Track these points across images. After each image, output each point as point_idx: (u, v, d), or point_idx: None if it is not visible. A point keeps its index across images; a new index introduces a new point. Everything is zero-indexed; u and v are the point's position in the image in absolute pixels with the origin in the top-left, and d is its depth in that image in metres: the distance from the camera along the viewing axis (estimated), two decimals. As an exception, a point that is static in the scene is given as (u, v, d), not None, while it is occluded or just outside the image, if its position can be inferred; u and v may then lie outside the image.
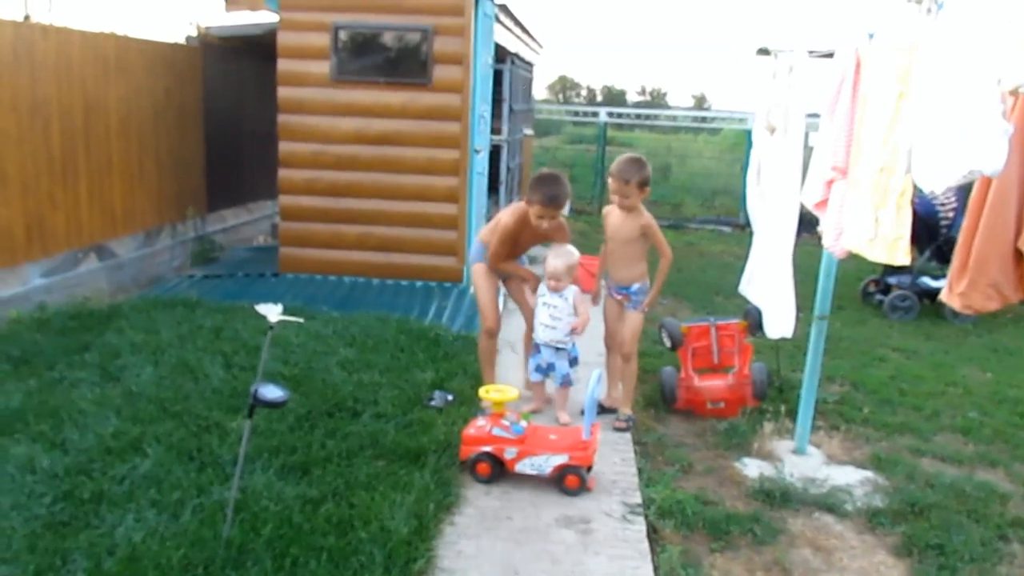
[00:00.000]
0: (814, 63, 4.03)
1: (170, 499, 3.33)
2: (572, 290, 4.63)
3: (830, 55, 3.80)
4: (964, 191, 7.98)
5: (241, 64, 9.45)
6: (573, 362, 4.73)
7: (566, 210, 5.06)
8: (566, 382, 4.69)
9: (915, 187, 3.00)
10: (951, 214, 7.93)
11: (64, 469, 3.53)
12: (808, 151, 3.96)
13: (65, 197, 6.45)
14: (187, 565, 2.88)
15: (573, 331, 4.65)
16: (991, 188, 2.96)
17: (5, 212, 5.79)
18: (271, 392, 2.97)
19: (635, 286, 4.78)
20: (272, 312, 2.99)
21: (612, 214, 4.81)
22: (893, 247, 3.18)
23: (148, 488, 3.42)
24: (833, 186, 3.64)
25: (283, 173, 7.47)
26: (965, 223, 3.09)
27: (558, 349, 4.66)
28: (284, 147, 7.42)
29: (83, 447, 3.76)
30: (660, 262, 4.70)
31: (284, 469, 3.68)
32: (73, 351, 5.06)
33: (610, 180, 4.68)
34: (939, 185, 2.68)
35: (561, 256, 4.61)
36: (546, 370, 4.72)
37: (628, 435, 4.56)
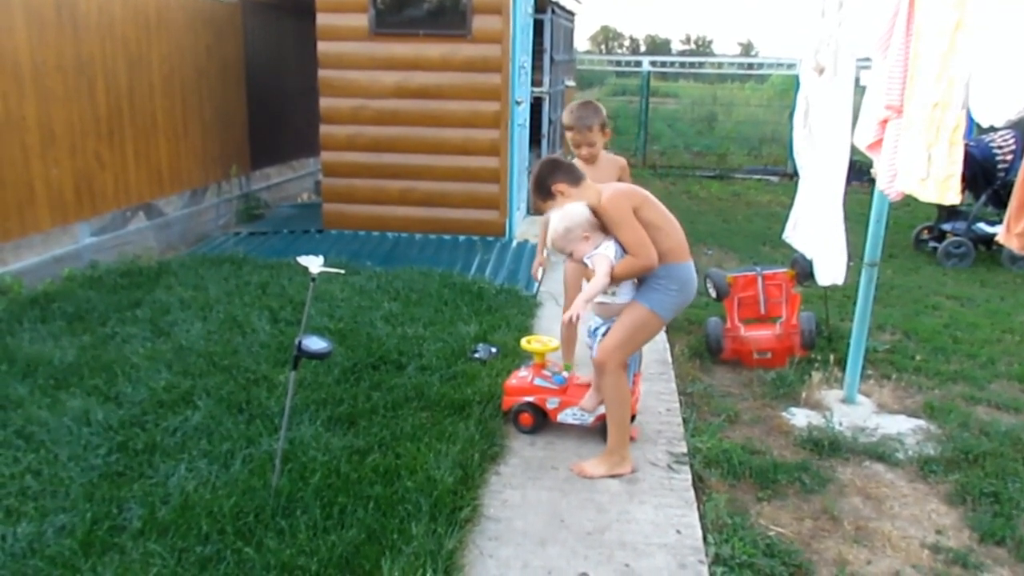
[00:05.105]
0: (865, -1, 3.87)
1: (220, 450, 3.40)
2: (592, 251, 3.44)
3: (882, -10, 3.63)
4: (1023, 133, 7.74)
5: (281, 20, 9.43)
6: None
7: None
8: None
9: (976, 127, 2.88)
10: (1009, 157, 7.63)
11: (118, 421, 3.63)
12: (859, 91, 3.82)
13: (112, 156, 6.53)
14: (238, 513, 2.94)
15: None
16: (1054, 124, 2.84)
17: (55, 172, 5.88)
18: (315, 344, 2.99)
19: None
20: (313, 264, 3.00)
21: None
22: (944, 185, 3.06)
23: (199, 439, 3.49)
24: (887, 125, 3.50)
25: (325, 129, 7.48)
26: (1026, 161, 2.97)
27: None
28: (325, 103, 7.41)
29: (136, 400, 3.85)
30: None
31: (331, 420, 3.73)
32: (125, 307, 5.18)
33: (568, 134, 4.29)
34: (998, 118, 2.56)
35: (552, 220, 3.50)
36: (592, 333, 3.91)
37: (673, 385, 4.52)
